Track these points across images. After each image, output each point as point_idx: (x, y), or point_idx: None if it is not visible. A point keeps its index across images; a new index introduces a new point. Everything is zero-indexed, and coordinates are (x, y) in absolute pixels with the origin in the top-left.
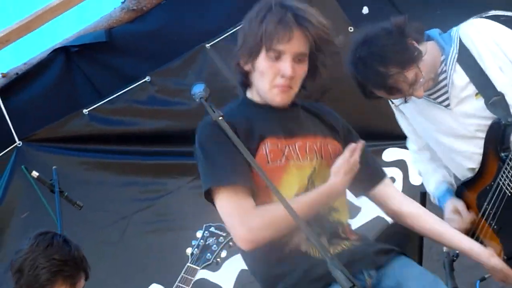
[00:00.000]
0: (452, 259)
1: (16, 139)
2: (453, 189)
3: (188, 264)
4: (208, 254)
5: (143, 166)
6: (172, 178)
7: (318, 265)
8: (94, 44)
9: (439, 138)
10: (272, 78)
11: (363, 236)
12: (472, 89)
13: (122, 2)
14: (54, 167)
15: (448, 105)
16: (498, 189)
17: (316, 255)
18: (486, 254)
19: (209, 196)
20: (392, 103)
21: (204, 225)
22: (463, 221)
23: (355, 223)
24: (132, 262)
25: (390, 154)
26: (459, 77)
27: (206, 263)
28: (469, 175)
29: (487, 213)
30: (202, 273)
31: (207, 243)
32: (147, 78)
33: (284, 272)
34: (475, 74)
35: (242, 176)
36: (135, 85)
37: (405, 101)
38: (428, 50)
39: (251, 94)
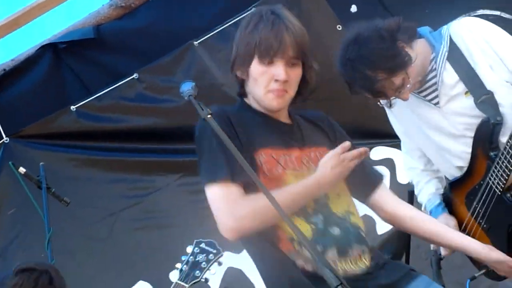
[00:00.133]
0: (440, 258)
1: (4, 135)
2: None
3: (177, 281)
4: (197, 271)
5: (131, 163)
6: (160, 175)
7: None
8: (82, 40)
9: (429, 135)
10: (267, 83)
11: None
12: (461, 87)
13: None
14: (41, 163)
15: (438, 103)
16: (488, 188)
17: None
18: (486, 250)
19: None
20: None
21: (195, 241)
22: None
23: None
24: (120, 259)
25: (378, 152)
26: (449, 75)
27: (195, 281)
28: (458, 173)
29: (476, 211)
30: None
31: (196, 259)
32: (135, 75)
33: None
34: (465, 73)
35: (235, 171)
36: (123, 82)
37: (390, 106)
38: (418, 48)
39: (248, 101)
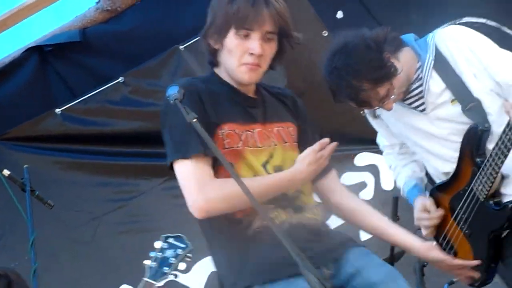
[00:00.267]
0: (423, 265)
1: None
2: (422, 185)
3: (145, 278)
4: (166, 268)
5: (116, 167)
6: (144, 179)
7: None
8: (68, 43)
9: (416, 141)
10: (241, 55)
11: (322, 224)
12: (448, 95)
13: (97, 2)
14: (25, 166)
15: (424, 109)
16: (472, 194)
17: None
18: (425, 248)
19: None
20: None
21: (163, 236)
22: (432, 219)
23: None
24: (104, 262)
25: (362, 158)
26: (435, 84)
27: (163, 277)
28: (445, 178)
29: (459, 217)
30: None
31: (165, 255)
32: (121, 79)
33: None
34: (451, 81)
35: (203, 147)
36: (108, 85)
37: (375, 116)
38: (404, 58)
39: (218, 71)
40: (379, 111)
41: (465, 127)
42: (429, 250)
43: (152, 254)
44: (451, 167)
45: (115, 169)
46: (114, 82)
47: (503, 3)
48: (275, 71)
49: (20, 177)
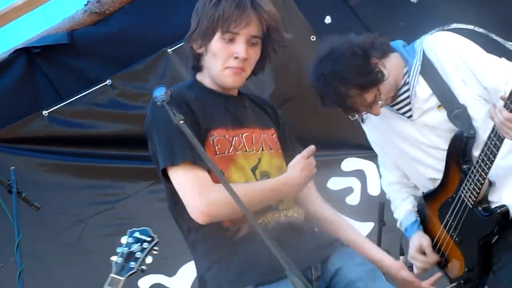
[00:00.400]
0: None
1: None
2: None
3: (112, 274)
4: (132, 262)
5: (102, 169)
6: (130, 182)
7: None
8: (56, 45)
9: (402, 148)
10: (225, 59)
11: (307, 224)
12: (434, 101)
13: (85, 5)
14: (12, 167)
15: (411, 116)
16: (460, 201)
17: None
18: (396, 267)
19: (166, 176)
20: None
21: (128, 231)
22: (427, 262)
23: None
24: (89, 264)
25: (349, 164)
26: (422, 89)
27: (130, 272)
28: (432, 185)
29: (449, 224)
30: (158, 278)
31: (131, 249)
32: (108, 82)
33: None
34: (438, 87)
35: (196, 156)
36: (95, 88)
37: (362, 121)
38: (392, 63)
39: (201, 78)
40: (367, 115)
41: (451, 135)
42: (400, 269)
43: (118, 249)
44: (437, 174)
45: (101, 172)
46: (102, 85)
47: (491, 10)
48: (264, 76)
49: (6, 178)
